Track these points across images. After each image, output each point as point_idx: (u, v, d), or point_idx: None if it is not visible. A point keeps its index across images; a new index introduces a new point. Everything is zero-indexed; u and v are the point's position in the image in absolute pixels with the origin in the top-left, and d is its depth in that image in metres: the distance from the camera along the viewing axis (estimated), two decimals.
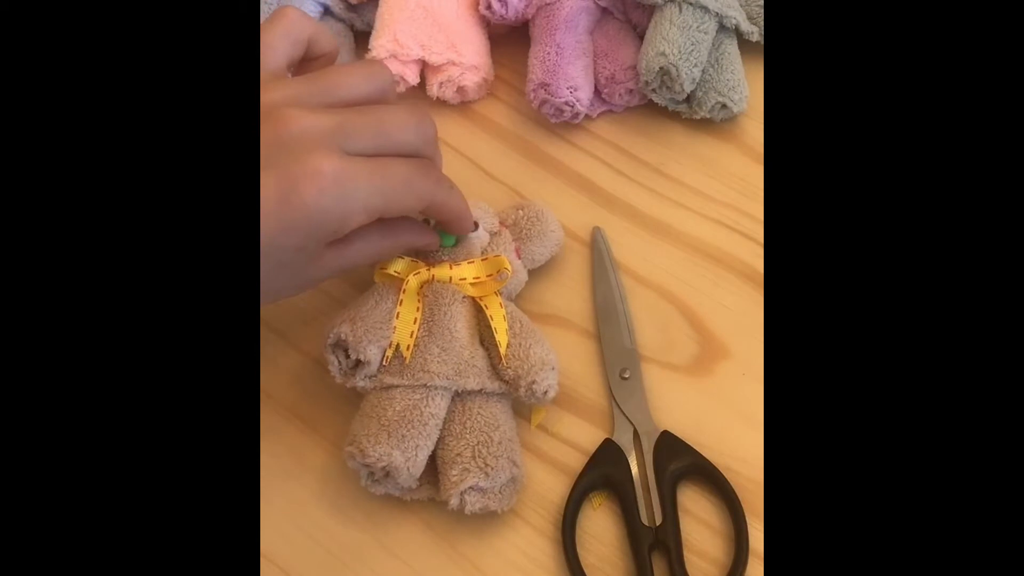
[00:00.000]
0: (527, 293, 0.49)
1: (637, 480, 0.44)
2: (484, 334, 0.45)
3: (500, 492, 0.42)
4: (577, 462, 0.45)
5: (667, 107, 0.53)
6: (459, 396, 0.44)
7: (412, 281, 0.45)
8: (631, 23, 0.55)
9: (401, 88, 0.54)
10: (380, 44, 0.54)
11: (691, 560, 0.42)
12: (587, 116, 0.54)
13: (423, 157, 0.42)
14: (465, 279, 0.45)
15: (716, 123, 0.54)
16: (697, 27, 0.51)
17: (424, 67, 0.55)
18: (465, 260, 0.46)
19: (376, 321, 0.43)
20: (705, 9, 0.52)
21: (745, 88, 0.53)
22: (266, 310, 0.49)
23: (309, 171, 0.37)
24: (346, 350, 0.43)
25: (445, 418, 0.43)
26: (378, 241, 0.42)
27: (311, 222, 0.37)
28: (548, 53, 0.53)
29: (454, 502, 0.42)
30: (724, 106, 0.52)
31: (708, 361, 0.48)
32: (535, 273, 0.49)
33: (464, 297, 0.45)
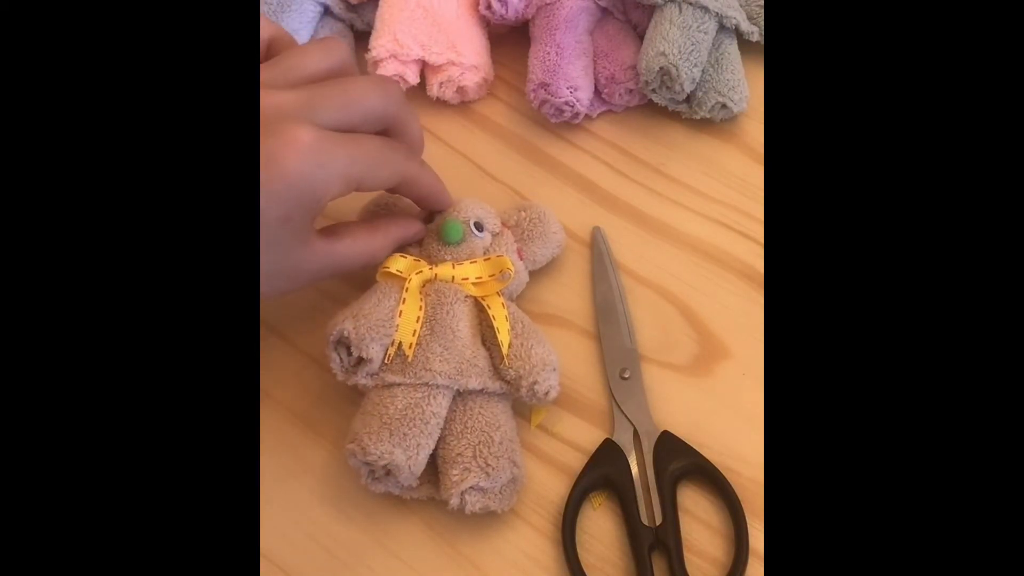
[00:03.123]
0: (527, 293, 0.49)
1: (637, 480, 0.44)
2: (486, 334, 0.45)
3: (500, 492, 0.42)
4: (577, 462, 0.45)
5: (667, 107, 0.53)
6: (460, 395, 0.44)
7: (415, 280, 0.45)
8: (631, 23, 0.55)
9: (400, 88, 0.54)
10: (380, 44, 0.53)
11: (691, 560, 0.42)
12: (587, 116, 0.54)
13: (393, 125, 0.44)
14: (467, 279, 0.45)
15: (716, 123, 0.54)
16: (697, 27, 0.51)
17: (424, 67, 0.55)
18: (467, 260, 0.46)
19: (379, 319, 0.43)
20: (705, 9, 0.52)
21: (745, 88, 0.53)
22: (266, 310, 0.49)
23: (287, 140, 0.39)
24: (348, 347, 0.43)
25: (446, 417, 0.43)
26: (367, 237, 0.45)
27: (292, 189, 0.39)
28: (548, 53, 0.53)
29: (454, 502, 0.42)
30: (724, 106, 0.52)
31: (708, 361, 0.48)
32: (535, 273, 0.49)
33: (466, 296, 0.45)
